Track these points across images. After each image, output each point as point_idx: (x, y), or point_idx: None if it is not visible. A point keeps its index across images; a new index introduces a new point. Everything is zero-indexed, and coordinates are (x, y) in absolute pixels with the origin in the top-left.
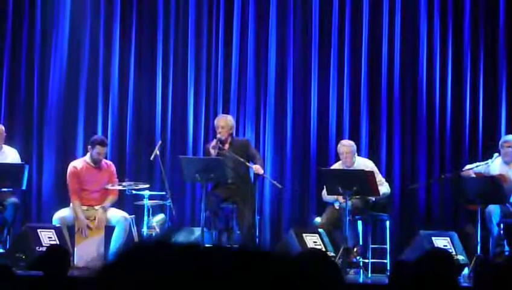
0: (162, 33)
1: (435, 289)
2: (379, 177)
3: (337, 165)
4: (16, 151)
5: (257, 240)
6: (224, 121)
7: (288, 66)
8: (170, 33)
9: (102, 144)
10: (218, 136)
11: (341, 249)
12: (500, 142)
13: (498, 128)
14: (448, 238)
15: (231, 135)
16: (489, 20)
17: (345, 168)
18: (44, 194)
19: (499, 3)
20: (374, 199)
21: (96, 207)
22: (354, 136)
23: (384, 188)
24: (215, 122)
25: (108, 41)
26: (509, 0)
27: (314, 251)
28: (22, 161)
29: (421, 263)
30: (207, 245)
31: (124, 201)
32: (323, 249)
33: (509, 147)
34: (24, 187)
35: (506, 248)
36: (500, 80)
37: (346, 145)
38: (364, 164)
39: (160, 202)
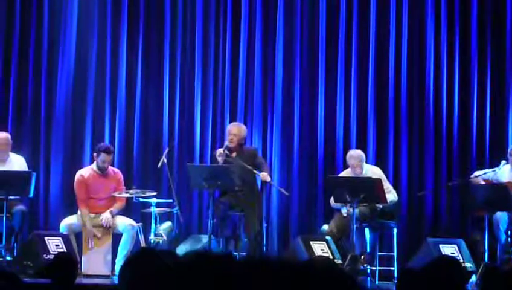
0: (169, 41)
1: None
2: (387, 185)
3: (345, 173)
4: (23, 158)
5: (264, 247)
6: (238, 129)
7: (295, 75)
8: (177, 41)
9: (108, 151)
10: (226, 143)
11: (348, 257)
12: (509, 150)
13: (506, 135)
14: (455, 246)
15: (241, 144)
16: (497, 26)
17: (354, 175)
18: (51, 201)
19: (506, 8)
20: (381, 206)
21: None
22: (362, 144)
23: (391, 195)
24: (228, 128)
25: (116, 49)
26: None
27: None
28: (29, 168)
29: (429, 270)
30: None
31: (131, 209)
32: (331, 257)
33: None
34: (31, 195)
35: None
36: (508, 87)
37: (355, 157)
38: (372, 171)
39: (168, 210)
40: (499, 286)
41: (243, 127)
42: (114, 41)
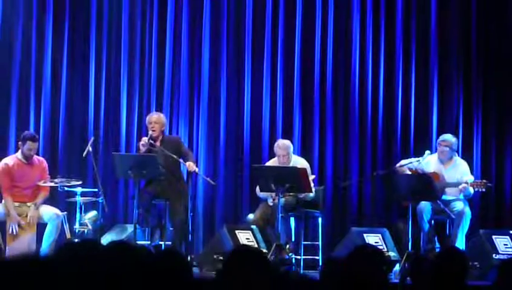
0: (95, 29)
1: (365, 286)
2: (310, 179)
3: (271, 162)
4: None
5: (190, 236)
6: (157, 118)
7: (221, 64)
8: (103, 29)
9: (33, 139)
10: (151, 132)
11: (273, 246)
12: (437, 141)
13: (430, 126)
14: (379, 235)
15: (163, 132)
16: (421, 19)
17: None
18: None
19: (430, 2)
20: (305, 195)
21: (28, 204)
22: (287, 134)
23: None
24: (148, 119)
25: (41, 36)
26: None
27: (247, 248)
28: None
29: (351, 259)
30: (138, 242)
31: (56, 198)
32: (256, 246)
33: (446, 146)
34: None
35: (437, 245)
36: (432, 78)
37: (282, 148)
38: (299, 162)
39: (93, 199)
40: (426, 273)
41: (162, 114)
42: (39, 29)
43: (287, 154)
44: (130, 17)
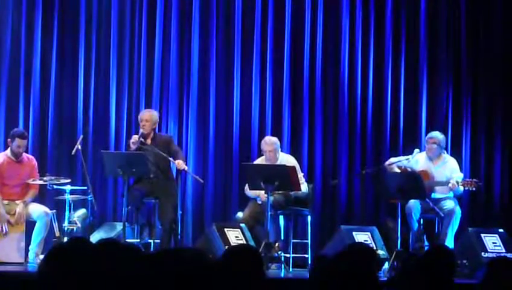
0: (84, 26)
1: (355, 284)
2: (300, 176)
3: (260, 160)
4: None
5: (179, 235)
6: (149, 115)
7: (210, 62)
8: (92, 27)
9: (22, 136)
10: (141, 130)
11: (262, 244)
12: (425, 138)
13: (419, 124)
14: (368, 233)
15: (154, 130)
16: (411, 16)
17: (268, 163)
18: None
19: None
20: (293, 193)
21: (17, 201)
22: (276, 132)
23: (303, 187)
24: (140, 116)
25: (30, 33)
26: None
27: (239, 245)
28: None
29: (341, 257)
30: (127, 241)
31: (45, 196)
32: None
33: (434, 143)
34: None
35: (426, 243)
36: (421, 75)
37: (269, 143)
38: (287, 160)
39: (82, 197)
40: (414, 271)
41: (154, 112)
42: (28, 26)
43: (273, 150)
44: (120, 15)
